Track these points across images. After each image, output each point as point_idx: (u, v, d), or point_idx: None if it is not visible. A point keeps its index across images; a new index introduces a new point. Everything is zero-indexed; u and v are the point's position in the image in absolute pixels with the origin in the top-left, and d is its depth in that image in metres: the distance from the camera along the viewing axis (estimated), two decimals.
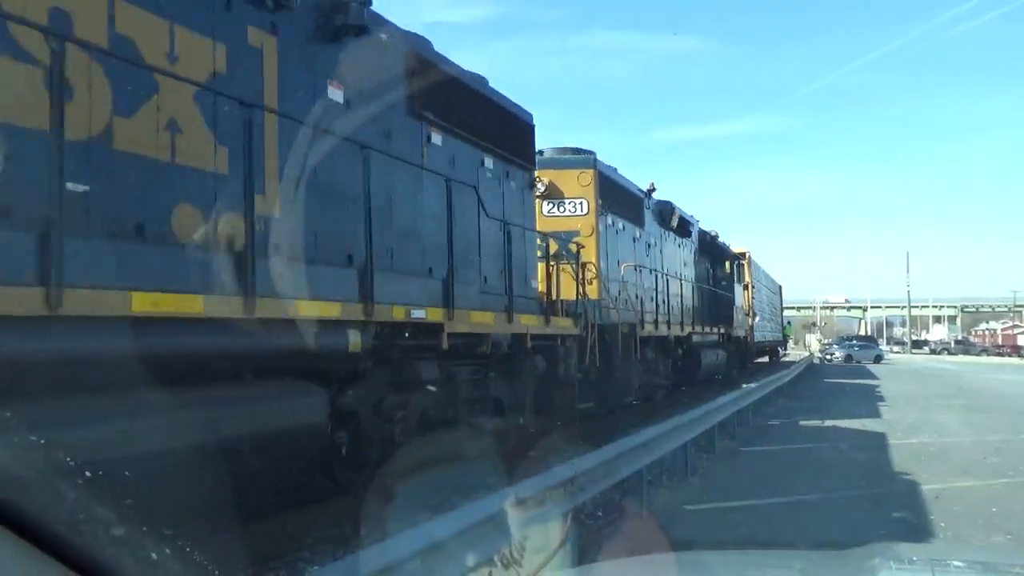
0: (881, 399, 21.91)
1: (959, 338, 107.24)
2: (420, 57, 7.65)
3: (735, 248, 27.40)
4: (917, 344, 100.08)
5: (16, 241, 3.83)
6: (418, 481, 5.60)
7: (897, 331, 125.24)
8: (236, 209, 5.26)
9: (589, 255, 11.83)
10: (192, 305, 4.52)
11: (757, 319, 32.49)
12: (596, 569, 4.00)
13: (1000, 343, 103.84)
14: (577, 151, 13.12)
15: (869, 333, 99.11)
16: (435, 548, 3.62)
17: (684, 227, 19.18)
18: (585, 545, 5.77)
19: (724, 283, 24.75)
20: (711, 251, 23.37)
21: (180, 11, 5.05)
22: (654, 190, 16.25)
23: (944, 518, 7.66)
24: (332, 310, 5.43)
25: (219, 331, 4.76)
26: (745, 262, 28.54)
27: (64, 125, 4.01)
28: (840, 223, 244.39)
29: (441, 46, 8.18)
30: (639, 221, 15.21)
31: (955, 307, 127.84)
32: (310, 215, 5.83)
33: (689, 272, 19.76)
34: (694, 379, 18.53)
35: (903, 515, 7.73)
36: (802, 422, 15.26)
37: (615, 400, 12.34)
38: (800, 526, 7.18)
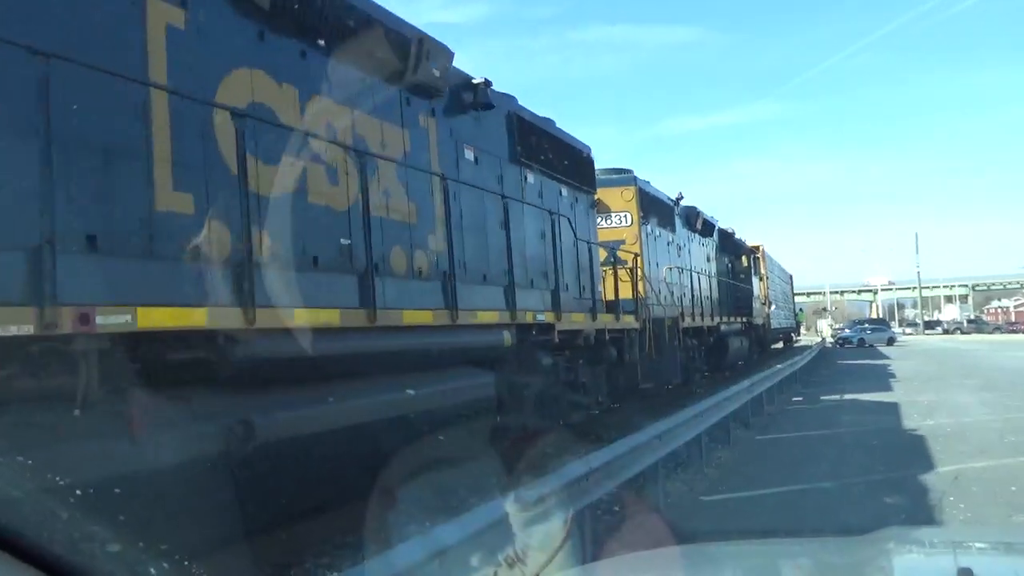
0: (896, 381, 22.29)
1: (971, 317, 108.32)
2: (516, 115, 9.98)
3: (750, 243, 29.77)
4: (929, 325, 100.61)
5: (326, 280, 6.15)
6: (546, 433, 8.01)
7: (909, 313, 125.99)
8: (422, 247, 7.61)
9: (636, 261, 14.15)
10: (420, 316, 6.87)
11: (773, 308, 34.90)
12: (601, 566, 4.07)
13: (1013, 320, 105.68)
14: (619, 171, 15.43)
15: (881, 316, 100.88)
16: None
17: (707, 228, 21.51)
18: (601, 539, 5.92)
19: (742, 276, 27.09)
20: (730, 247, 25.69)
21: (384, 112, 7.38)
22: (682, 198, 18.59)
23: (963, 499, 7.71)
24: (494, 317, 7.78)
25: (430, 334, 7.10)
26: (760, 255, 30.93)
27: (334, 201, 6.36)
28: (847, 207, 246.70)
29: None
30: (671, 226, 17.54)
31: (966, 286, 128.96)
32: (465, 248, 8.17)
33: (712, 268, 22.09)
34: (723, 364, 20.90)
35: (921, 499, 7.82)
36: (817, 406, 15.80)
37: (665, 380, 14.68)
38: (819, 514, 7.27)
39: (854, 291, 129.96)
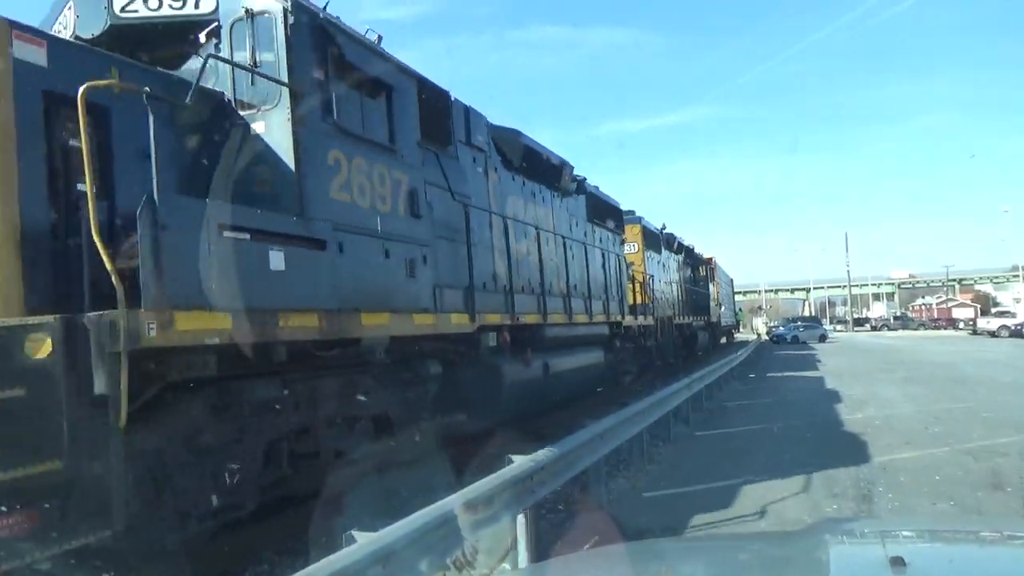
0: (827, 376, 23.97)
1: (898, 314, 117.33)
2: (591, 193, 16.84)
3: (705, 255, 37.32)
4: (859, 322, 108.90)
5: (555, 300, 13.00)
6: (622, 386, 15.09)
7: (840, 310, 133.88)
8: (564, 280, 14.49)
9: (643, 276, 21.25)
10: (579, 318, 13.76)
11: (722, 308, 42.71)
12: (550, 565, 4.20)
13: (936, 317, 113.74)
14: (630, 212, 22.44)
15: (813, 314, 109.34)
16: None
17: (679, 247, 28.82)
18: (545, 538, 6.37)
19: (701, 283, 34.58)
20: (691, 260, 33.06)
21: (550, 205, 14.16)
22: (664, 227, 25.89)
23: (891, 489, 8.27)
24: (603, 317, 14.76)
25: (583, 327, 13.96)
26: (712, 266, 38.57)
27: (533, 256, 13.26)
28: (780, 208, 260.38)
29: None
30: (659, 250, 24.71)
31: (893, 284, 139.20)
32: (583, 284, 15.02)
33: (683, 278, 29.39)
34: (694, 351, 28.31)
35: (853, 490, 8.33)
36: (753, 402, 17.25)
37: (665, 360, 21.86)
38: (756, 506, 7.74)
39: (788, 290, 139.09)
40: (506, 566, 5.67)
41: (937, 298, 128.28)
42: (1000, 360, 29.71)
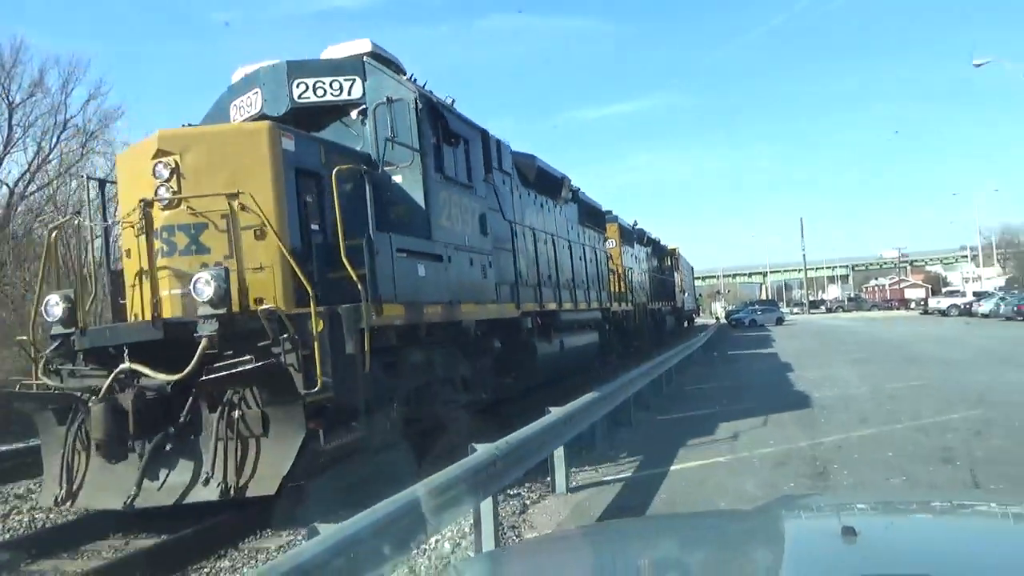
0: (784, 358, 25.41)
1: (852, 295, 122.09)
2: (582, 200, 20.18)
3: (670, 246, 41.00)
4: (814, 304, 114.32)
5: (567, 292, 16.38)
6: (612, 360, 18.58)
7: (796, 293, 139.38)
8: (568, 274, 17.87)
9: (621, 268, 24.72)
10: (581, 304, 17.18)
11: (685, 294, 46.53)
12: (509, 551, 4.32)
13: (889, 297, 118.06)
14: (608, 212, 25.83)
15: (770, 297, 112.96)
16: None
17: (648, 240, 32.37)
18: (506, 523, 6.91)
19: (667, 271, 38.24)
20: (658, 250, 36.66)
21: (554, 213, 17.52)
22: (636, 223, 29.46)
23: (847, 466, 8.59)
24: (596, 304, 18.21)
25: (583, 312, 17.37)
26: (676, 255, 42.30)
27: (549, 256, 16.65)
28: (739, 194, 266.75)
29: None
30: (632, 244, 28.21)
31: (847, 267, 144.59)
32: (582, 278, 18.40)
33: (651, 268, 32.95)
34: (663, 333, 31.96)
35: (809, 468, 8.62)
36: (712, 385, 18.30)
37: (642, 340, 25.41)
38: (716, 487, 8.16)
39: (746, 274, 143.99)
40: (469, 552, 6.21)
41: (890, 279, 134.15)
42: (949, 338, 31.48)
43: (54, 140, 31.06)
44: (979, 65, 41.10)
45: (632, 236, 28.37)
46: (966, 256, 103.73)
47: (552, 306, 14.87)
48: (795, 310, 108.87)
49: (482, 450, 6.07)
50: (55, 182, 30.86)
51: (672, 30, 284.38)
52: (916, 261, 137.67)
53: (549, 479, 8.51)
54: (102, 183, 9.70)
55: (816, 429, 11.19)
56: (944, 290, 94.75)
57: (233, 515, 7.59)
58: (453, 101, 11.55)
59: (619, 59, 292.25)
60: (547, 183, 16.52)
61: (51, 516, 8.63)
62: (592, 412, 9.87)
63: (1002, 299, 53.36)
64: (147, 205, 7.92)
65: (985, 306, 54.61)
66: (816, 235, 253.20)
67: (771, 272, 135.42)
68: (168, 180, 7.86)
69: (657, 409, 14.37)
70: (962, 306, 62.38)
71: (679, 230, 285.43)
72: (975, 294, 69.84)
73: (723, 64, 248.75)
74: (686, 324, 53.69)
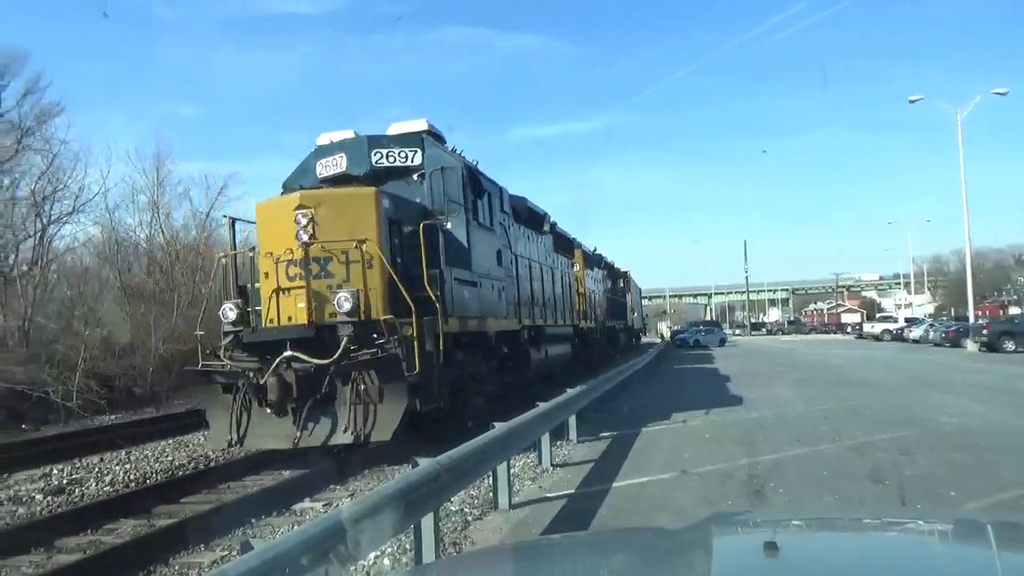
0: (726, 378, 26.47)
1: (792, 319, 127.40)
2: (556, 231, 24.18)
3: (623, 269, 45.38)
4: (756, 326, 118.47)
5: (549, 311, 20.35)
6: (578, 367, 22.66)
7: (739, 315, 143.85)
8: (548, 296, 21.87)
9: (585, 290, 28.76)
10: (561, 322, 21.15)
11: (635, 314, 51.05)
12: (434, 567, 4.37)
13: (827, 322, 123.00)
14: (573, 239, 29.81)
15: (714, 318, 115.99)
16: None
17: (605, 264, 36.58)
18: (445, 540, 7.07)
19: (620, 293, 42.54)
20: (612, 273, 40.92)
21: (538, 244, 21.47)
22: (596, 249, 33.69)
23: (782, 484, 9.01)
24: (569, 323, 22.25)
25: (561, 327, 21.34)
26: (627, 278, 46.73)
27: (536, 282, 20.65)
28: (683, 214, 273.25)
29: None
30: (592, 268, 32.34)
31: (787, 290, 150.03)
32: (558, 299, 22.37)
33: (606, 289, 37.14)
34: (617, 348, 36.20)
35: (746, 486, 9.03)
36: (653, 404, 18.43)
37: (601, 353, 29.48)
38: (655, 504, 8.49)
39: (691, 295, 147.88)
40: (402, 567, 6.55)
41: (828, 304, 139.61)
42: (882, 362, 33.45)
43: None
44: (913, 102, 46.09)
45: (592, 260, 32.50)
46: (899, 283, 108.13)
47: (540, 322, 18.84)
48: (738, 332, 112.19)
49: (424, 464, 6.13)
50: None
51: (621, 54, 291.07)
52: (852, 287, 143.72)
53: (491, 495, 9.04)
54: (232, 221, 13.38)
55: (755, 448, 11.73)
56: (878, 316, 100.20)
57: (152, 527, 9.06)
58: (477, 163, 15.49)
59: (572, 79, 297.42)
60: (533, 219, 20.50)
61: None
62: (537, 428, 10.81)
63: (931, 326, 56.60)
64: (304, 245, 11.45)
65: (915, 332, 57.69)
66: (759, 258, 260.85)
67: (716, 293, 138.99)
68: (306, 226, 11.59)
69: (600, 425, 15.06)
70: (894, 331, 65.93)
71: (626, 249, 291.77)
72: (907, 320, 74.24)
73: (670, 88, 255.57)
74: (634, 341, 58.32)
